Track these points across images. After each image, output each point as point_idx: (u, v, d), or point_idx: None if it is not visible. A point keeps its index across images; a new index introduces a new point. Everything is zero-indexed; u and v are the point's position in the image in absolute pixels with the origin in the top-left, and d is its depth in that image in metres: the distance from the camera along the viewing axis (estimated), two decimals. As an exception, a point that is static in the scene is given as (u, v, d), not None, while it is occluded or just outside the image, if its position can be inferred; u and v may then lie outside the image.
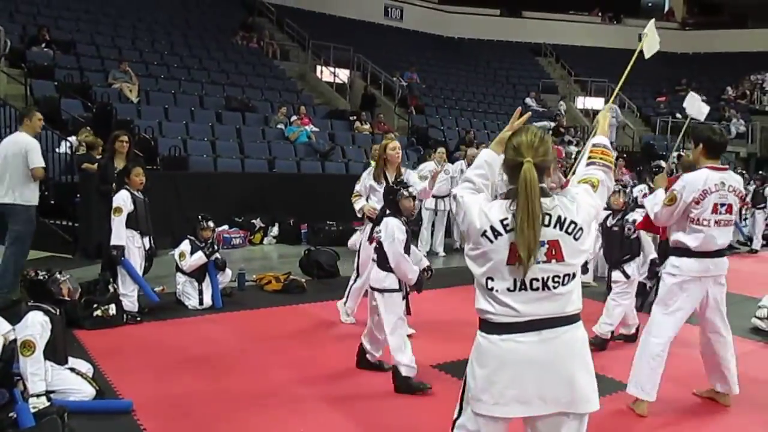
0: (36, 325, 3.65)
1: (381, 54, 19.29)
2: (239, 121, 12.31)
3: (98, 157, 8.77)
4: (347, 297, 5.81)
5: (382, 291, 4.28)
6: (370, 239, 5.09)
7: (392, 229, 4.25)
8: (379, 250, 4.34)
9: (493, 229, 2.14)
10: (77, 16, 14.89)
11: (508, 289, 2.14)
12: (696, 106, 6.16)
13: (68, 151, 8.78)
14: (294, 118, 12.45)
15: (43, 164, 5.96)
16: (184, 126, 11.25)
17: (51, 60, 11.99)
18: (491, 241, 2.14)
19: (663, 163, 8.80)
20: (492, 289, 2.17)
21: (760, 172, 14.47)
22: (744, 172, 14.41)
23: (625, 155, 14.58)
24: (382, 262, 4.30)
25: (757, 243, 11.58)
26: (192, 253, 6.10)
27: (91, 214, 7.86)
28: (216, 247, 6.30)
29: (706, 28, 26.29)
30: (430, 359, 4.66)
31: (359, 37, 19.57)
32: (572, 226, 2.14)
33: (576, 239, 2.15)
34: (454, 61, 22.57)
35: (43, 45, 12.35)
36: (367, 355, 4.56)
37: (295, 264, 7.79)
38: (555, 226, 2.13)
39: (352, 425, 3.80)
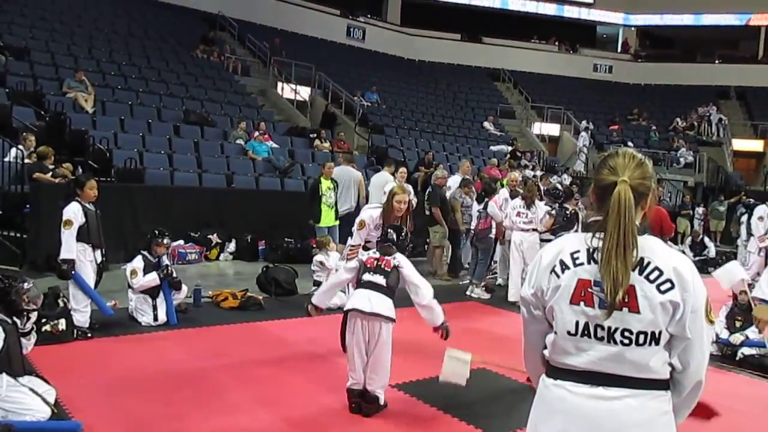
0: None
1: (342, 73, 19.40)
2: (197, 134, 12.14)
3: (50, 166, 8.56)
4: None
5: (390, 320, 4.15)
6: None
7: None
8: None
9: (562, 263, 1.86)
10: (32, 23, 14.49)
11: (569, 333, 1.84)
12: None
13: (19, 161, 8.50)
14: (257, 134, 12.34)
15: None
16: (141, 138, 11.03)
17: (3, 66, 11.66)
18: (558, 276, 1.85)
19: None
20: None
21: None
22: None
23: (578, 181, 14.91)
24: (392, 290, 4.22)
25: None
26: (145, 271, 5.92)
27: (41, 225, 7.63)
28: (171, 269, 6.09)
29: (657, 61, 27.31)
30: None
31: (321, 55, 19.63)
32: (655, 273, 1.78)
33: (660, 291, 1.76)
34: (415, 83, 22.86)
35: (-5, 51, 12.02)
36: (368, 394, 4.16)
37: (252, 281, 7.67)
38: (634, 269, 1.79)
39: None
